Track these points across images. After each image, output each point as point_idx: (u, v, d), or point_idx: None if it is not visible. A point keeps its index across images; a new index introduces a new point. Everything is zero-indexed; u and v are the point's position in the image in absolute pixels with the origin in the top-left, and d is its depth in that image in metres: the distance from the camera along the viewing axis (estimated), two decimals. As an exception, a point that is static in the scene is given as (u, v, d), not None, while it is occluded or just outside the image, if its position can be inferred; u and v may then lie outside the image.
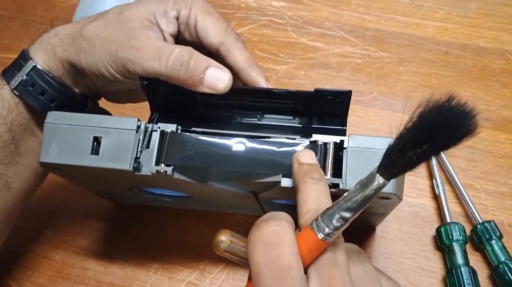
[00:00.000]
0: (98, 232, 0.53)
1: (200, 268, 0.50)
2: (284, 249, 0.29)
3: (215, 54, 0.41)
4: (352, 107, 0.59)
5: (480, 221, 0.49)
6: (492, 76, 0.61)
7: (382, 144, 0.34)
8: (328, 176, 0.35)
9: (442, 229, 0.49)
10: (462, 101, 0.27)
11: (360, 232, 0.51)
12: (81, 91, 0.43)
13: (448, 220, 0.49)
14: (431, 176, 0.53)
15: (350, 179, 0.34)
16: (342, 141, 0.35)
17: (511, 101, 0.59)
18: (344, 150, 0.35)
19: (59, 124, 0.37)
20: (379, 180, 0.28)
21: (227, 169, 0.38)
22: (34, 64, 0.40)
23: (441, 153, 0.25)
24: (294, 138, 0.37)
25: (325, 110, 0.39)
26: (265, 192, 0.39)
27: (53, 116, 0.37)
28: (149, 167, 0.36)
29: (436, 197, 0.52)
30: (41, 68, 0.40)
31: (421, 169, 0.55)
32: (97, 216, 0.54)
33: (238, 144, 0.36)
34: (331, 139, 0.36)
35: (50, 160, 0.36)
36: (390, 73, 0.62)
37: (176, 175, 0.36)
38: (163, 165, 0.36)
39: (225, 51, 0.41)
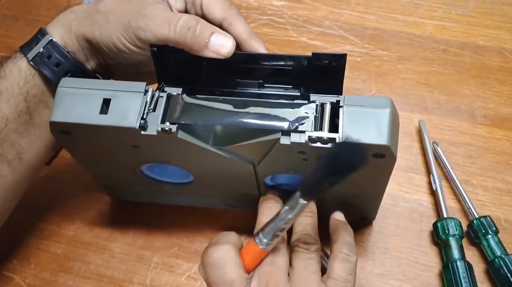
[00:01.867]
0: (100, 227, 0.54)
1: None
2: (227, 268, 0.37)
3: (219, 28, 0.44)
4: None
5: (477, 216, 0.50)
6: (490, 74, 0.62)
7: (375, 102, 0.36)
8: (326, 131, 0.37)
9: (438, 224, 0.49)
10: (353, 141, 0.35)
11: (358, 225, 0.51)
12: (93, 68, 0.45)
13: (445, 215, 0.50)
14: (429, 172, 0.54)
15: (346, 134, 0.36)
16: (338, 101, 0.38)
17: (508, 98, 0.59)
18: (340, 108, 0.37)
19: (71, 88, 0.39)
20: (302, 201, 0.36)
21: (229, 126, 0.40)
22: (50, 38, 0.42)
23: (342, 179, 0.35)
24: (294, 101, 0.39)
25: (322, 77, 0.40)
26: (264, 161, 0.41)
27: (66, 82, 0.39)
28: (154, 125, 0.38)
29: (433, 193, 0.53)
30: (57, 42, 0.42)
31: (419, 165, 0.55)
32: (98, 211, 0.55)
33: (239, 103, 0.39)
34: (328, 99, 0.38)
35: (61, 119, 0.38)
36: (389, 71, 0.63)
37: (181, 134, 0.38)
38: (168, 123, 0.38)
39: (227, 25, 0.43)
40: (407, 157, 0.56)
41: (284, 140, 0.37)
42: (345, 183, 0.40)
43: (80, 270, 0.51)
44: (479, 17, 0.67)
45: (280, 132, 0.37)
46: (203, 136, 0.40)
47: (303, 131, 0.37)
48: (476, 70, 0.62)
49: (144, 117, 0.38)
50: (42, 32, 0.43)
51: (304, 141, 0.37)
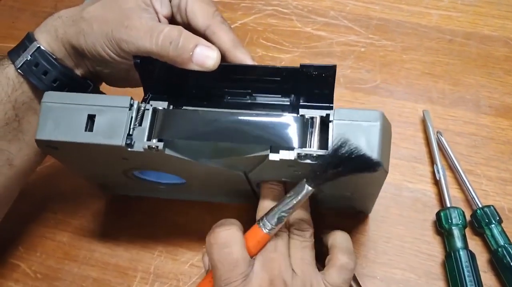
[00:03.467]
0: (105, 216, 0.54)
1: (203, 250, 0.51)
2: (233, 248, 0.38)
3: (203, 37, 0.43)
4: (355, 94, 0.61)
5: (480, 206, 0.49)
6: (496, 64, 0.61)
7: (365, 116, 0.36)
8: (315, 148, 0.36)
9: (442, 214, 0.49)
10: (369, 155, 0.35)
11: (354, 218, 0.52)
12: (82, 73, 0.44)
13: (448, 205, 0.50)
14: (432, 162, 0.54)
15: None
16: (328, 115, 0.37)
17: (514, 88, 0.59)
18: (330, 123, 0.36)
19: (55, 103, 0.38)
20: (308, 188, 0.37)
21: (216, 141, 0.39)
22: (38, 45, 0.42)
23: (350, 175, 0.35)
24: (282, 114, 0.38)
25: (312, 86, 0.40)
26: (255, 170, 0.40)
27: (49, 96, 0.38)
28: (141, 142, 0.37)
29: (437, 183, 0.53)
30: (44, 49, 0.42)
31: (423, 155, 0.55)
32: (103, 200, 0.55)
33: (226, 117, 0.37)
34: (318, 113, 0.37)
35: (46, 137, 0.38)
36: (394, 61, 0.63)
37: (168, 151, 0.38)
38: (154, 140, 0.37)
39: (210, 34, 0.42)
40: (411, 147, 0.56)
41: (273, 157, 0.37)
42: (338, 187, 0.40)
43: (85, 258, 0.52)
44: (485, 7, 0.66)
45: (269, 149, 0.37)
46: (192, 150, 0.39)
47: (292, 149, 0.36)
48: (481, 60, 0.62)
49: (130, 133, 0.37)
50: (29, 38, 0.42)
51: (293, 159, 0.36)
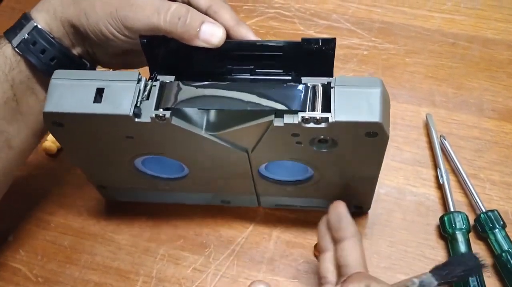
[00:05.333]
0: (106, 219, 0.54)
1: (205, 255, 0.51)
2: None
3: None
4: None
5: (484, 210, 0.49)
6: (499, 68, 0.61)
7: (365, 83, 0.37)
8: (318, 111, 0.37)
9: (445, 218, 0.49)
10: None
11: (356, 222, 0.51)
12: (79, 53, 0.44)
13: (452, 209, 0.49)
14: (436, 166, 0.54)
15: (338, 113, 0.36)
16: (329, 83, 0.38)
17: (518, 92, 0.59)
18: (331, 89, 0.37)
19: (65, 80, 0.39)
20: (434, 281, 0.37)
21: (222, 109, 0.40)
22: (35, 24, 0.42)
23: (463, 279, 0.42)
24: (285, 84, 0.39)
25: (313, 61, 0.40)
26: (258, 147, 0.41)
27: (59, 74, 0.39)
28: (148, 112, 0.38)
29: (440, 187, 0.52)
30: (42, 28, 0.42)
31: (426, 159, 0.55)
32: (105, 204, 0.55)
33: (232, 87, 0.39)
34: (319, 81, 0.38)
35: (54, 109, 0.38)
36: (397, 64, 0.62)
37: (175, 120, 0.38)
38: (162, 109, 0.38)
39: (212, 13, 0.43)
40: (414, 150, 0.56)
41: (278, 122, 0.37)
42: (340, 165, 0.41)
43: (87, 262, 0.52)
44: (488, 10, 0.66)
45: (273, 115, 0.38)
46: (197, 123, 0.40)
47: (296, 112, 0.37)
48: (485, 63, 0.61)
49: (138, 105, 0.38)
50: (26, 17, 0.42)
51: (297, 122, 0.37)
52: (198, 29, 0.39)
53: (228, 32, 0.42)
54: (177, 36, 0.40)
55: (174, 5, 0.40)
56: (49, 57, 0.42)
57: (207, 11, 0.43)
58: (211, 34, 0.40)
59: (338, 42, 0.64)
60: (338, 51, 0.63)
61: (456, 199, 0.51)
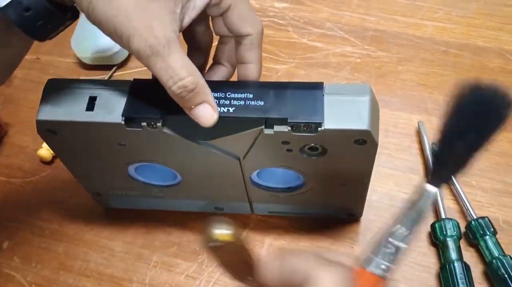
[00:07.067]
0: (100, 226, 0.54)
1: (198, 262, 0.51)
2: None
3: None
4: (350, 105, 0.61)
5: (475, 217, 0.50)
6: (490, 75, 0.62)
7: (355, 90, 0.38)
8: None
9: (436, 225, 0.49)
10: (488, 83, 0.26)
11: (347, 228, 0.52)
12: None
13: (443, 216, 0.50)
14: (428, 173, 0.54)
15: (327, 121, 0.37)
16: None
17: (509, 100, 0.59)
18: (322, 97, 0.38)
19: (57, 88, 0.39)
20: (431, 188, 0.28)
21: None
22: None
23: (488, 139, 0.26)
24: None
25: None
26: (249, 154, 0.41)
27: (51, 82, 0.40)
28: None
29: (432, 194, 0.53)
30: None
31: (418, 166, 0.55)
32: (99, 210, 0.55)
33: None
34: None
35: (47, 117, 0.39)
36: (389, 72, 0.63)
37: (166, 130, 0.39)
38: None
39: (241, 65, 0.42)
40: (406, 157, 0.56)
41: (268, 131, 0.38)
42: (330, 172, 0.41)
43: (81, 269, 0.52)
44: (479, 18, 0.67)
45: (264, 124, 0.38)
46: (189, 132, 0.40)
47: (285, 120, 0.37)
48: (476, 71, 0.62)
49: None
50: None
51: (287, 131, 0.37)
52: (193, 106, 0.37)
53: (237, 68, 0.42)
54: (172, 96, 0.37)
55: (188, 78, 0.36)
56: (22, 8, 0.36)
57: (242, 42, 0.41)
58: (203, 116, 0.37)
59: (331, 50, 0.66)
60: (331, 59, 0.64)
61: (447, 206, 0.52)
